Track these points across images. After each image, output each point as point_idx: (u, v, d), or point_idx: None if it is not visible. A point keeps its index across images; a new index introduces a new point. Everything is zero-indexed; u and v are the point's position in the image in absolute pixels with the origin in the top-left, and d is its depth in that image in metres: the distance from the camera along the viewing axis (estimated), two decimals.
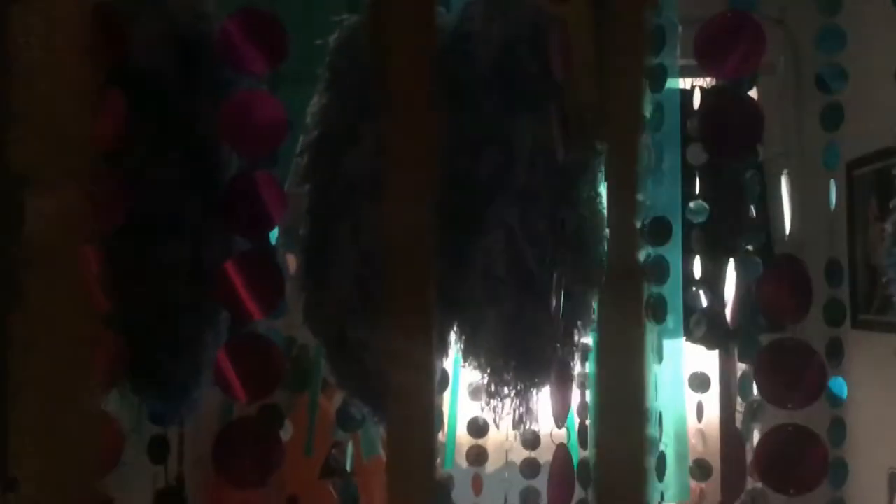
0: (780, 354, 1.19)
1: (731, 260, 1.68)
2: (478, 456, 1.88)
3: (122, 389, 1.44)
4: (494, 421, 1.48)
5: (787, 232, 1.49)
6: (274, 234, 1.52)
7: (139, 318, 1.40)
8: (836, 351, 1.57)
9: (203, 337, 1.47)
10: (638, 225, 1.74)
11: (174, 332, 1.44)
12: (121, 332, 1.34)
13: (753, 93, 1.62)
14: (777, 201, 1.58)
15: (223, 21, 1.33)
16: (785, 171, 1.57)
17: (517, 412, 1.45)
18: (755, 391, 1.75)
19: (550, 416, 1.58)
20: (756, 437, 1.75)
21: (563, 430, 1.57)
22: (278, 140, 1.33)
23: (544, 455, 1.78)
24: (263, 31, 1.32)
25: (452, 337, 1.49)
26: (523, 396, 1.44)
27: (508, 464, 1.97)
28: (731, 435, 1.44)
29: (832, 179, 1.65)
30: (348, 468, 1.74)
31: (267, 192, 1.32)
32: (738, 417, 2.39)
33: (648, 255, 1.67)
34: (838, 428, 1.54)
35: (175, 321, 1.44)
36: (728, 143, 1.17)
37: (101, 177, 1.21)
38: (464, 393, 1.85)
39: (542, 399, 1.53)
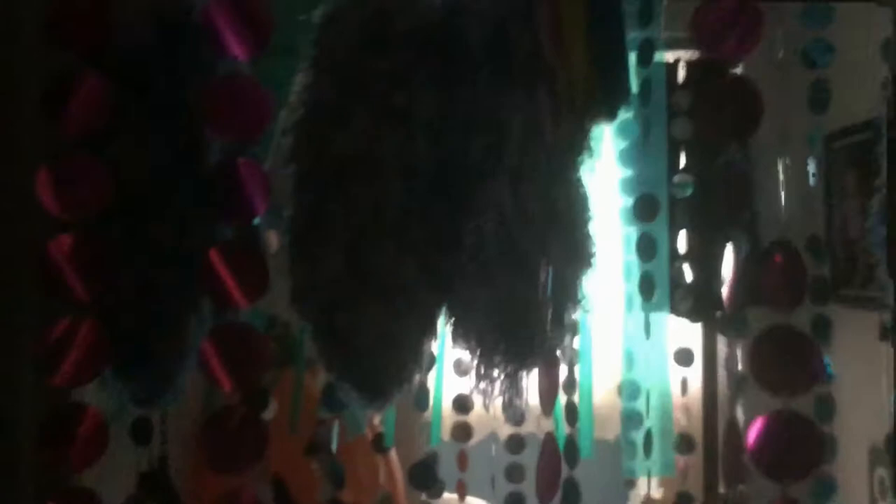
0: (776, 343, 1.19)
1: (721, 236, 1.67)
2: (463, 432, 1.88)
3: (103, 375, 1.41)
4: (484, 403, 1.47)
5: (783, 212, 1.49)
6: None
7: (123, 304, 1.37)
8: (822, 328, 1.57)
9: (187, 322, 1.44)
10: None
11: (158, 316, 1.41)
12: (103, 320, 1.31)
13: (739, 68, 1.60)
14: (771, 179, 1.57)
15: (207, 2, 1.29)
16: (781, 158, 1.57)
17: (506, 394, 1.44)
18: (740, 366, 1.77)
19: (536, 395, 1.57)
20: (740, 411, 1.76)
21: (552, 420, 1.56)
22: (263, 127, 1.29)
23: (528, 428, 1.79)
24: (247, 15, 1.27)
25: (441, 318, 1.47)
26: (512, 378, 1.42)
27: (493, 436, 1.98)
28: (730, 426, 1.43)
29: (812, 156, 1.65)
30: (333, 446, 1.73)
31: (251, 180, 1.29)
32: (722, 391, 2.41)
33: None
34: (825, 405, 1.55)
35: (159, 306, 1.41)
36: (725, 129, 1.15)
37: (82, 161, 1.19)
38: (448, 369, 1.84)
39: (530, 377, 1.52)
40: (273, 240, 1.58)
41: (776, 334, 1.18)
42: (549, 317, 1.40)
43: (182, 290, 1.42)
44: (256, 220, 1.47)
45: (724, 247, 1.55)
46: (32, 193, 1.27)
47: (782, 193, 1.60)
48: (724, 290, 1.43)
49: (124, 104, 1.32)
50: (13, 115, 1.35)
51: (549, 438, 1.53)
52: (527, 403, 1.49)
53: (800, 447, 1.19)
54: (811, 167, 1.68)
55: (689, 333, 2.12)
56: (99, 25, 1.26)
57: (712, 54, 1.12)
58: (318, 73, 1.42)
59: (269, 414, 1.57)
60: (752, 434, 1.21)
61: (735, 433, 1.43)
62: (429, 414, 1.85)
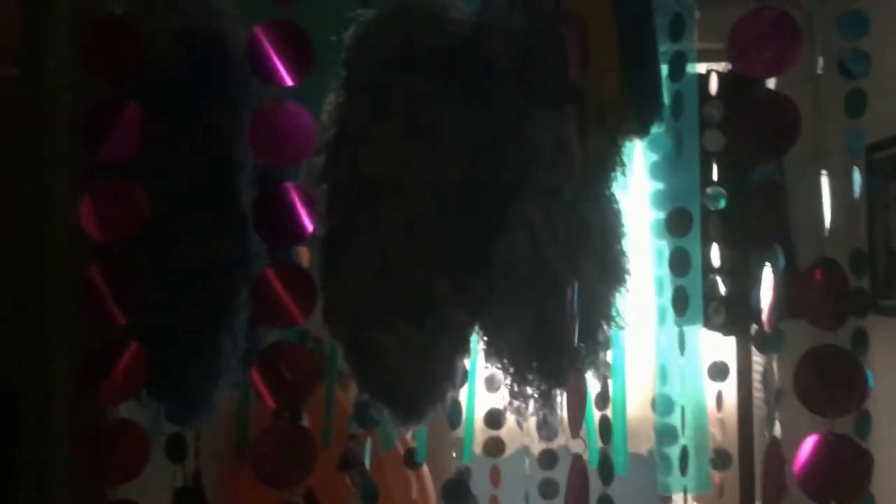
0: (822, 363, 1.16)
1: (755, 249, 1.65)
2: (495, 447, 1.87)
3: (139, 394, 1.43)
4: (518, 422, 1.46)
5: (824, 225, 1.47)
6: None
7: (156, 325, 1.38)
8: (861, 341, 1.55)
9: (219, 341, 1.45)
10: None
11: (192, 336, 1.42)
12: (138, 339, 1.32)
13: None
14: (810, 192, 1.56)
15: (251, 31, 1.29)
16: (824, 172, 1.55)
17: (540, 412, 1.43)
18: (777, 380, 1.74)
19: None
20: (778, 427, 1.74)
21: (580, 441, 1.55)
22: (307, 152, 1.30)
23: (561, 443, 1.77)
24: (291, 44, 1.28)
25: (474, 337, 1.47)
26: (546, 396, 1.41)
27: (525, 450, 1.96)
28: (770, 442, 1.41)
29: (855, 167, 1.63)
30: (366, 461, 1.73)
31: (299, 203, 1.29)
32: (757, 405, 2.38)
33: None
34: (864, 419, 1.52)
35: (191, 326, 1.42)
36: (761, 146, 1.14)
37: (121, 185, 1.20)
38: (480, 384, 1.84)
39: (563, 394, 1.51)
40: (304, 257, 1.59)
41: (821, 354, 1.16)
42: (582, 334, 1.39)
43: (215, 310, 1.43)
44: None
45: (758, 260, 1.53)
46: (70, 216, 1.29)
47: (822, 206, 1.58)
48: (761, 306, 1.41)
49: (155, 127, 1.32)
50: (50, 140, 1.36)
51: (577, 459, 1.52)
52: (560, 419, 1.48)
53: (849, 472, 1.17)
54: (856, 178, 1.66)
55: (723, 347, 2.10)
56: (132, 52, 1.27)
57: (749, 71, 1.10)
58: (348, 93, 1.43)
59: None
60: (800, 458, 1.18)
61: (775, 449, 1.41)
62: (461, 429, 1.84)
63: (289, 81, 1.26)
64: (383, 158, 1.36)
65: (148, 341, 1.34)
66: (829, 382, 1.14)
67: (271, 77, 1.26)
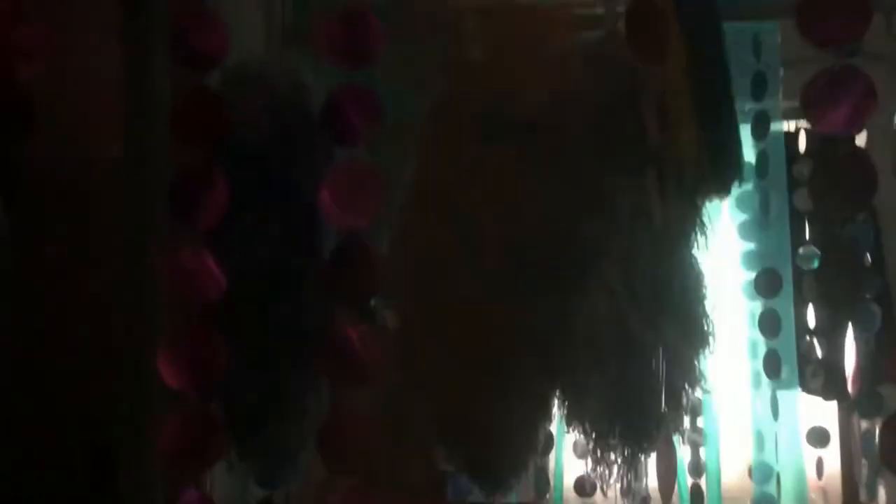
0: None
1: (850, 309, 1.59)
2: None
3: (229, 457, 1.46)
4: (601, 488, 1.43)
5: None
6: None
7: (245, 386, 1.42)
8: None
9: (307, 402, 1.47)
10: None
11: (279, 398, 1.45)
12: (225, 402, 1.36)
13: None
14: None
15: (327, 94, 1.34)
16: None
17: (625, 479, 1.40)
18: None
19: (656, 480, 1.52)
20: (882, 493, 1.66)
21: None
22: (374, 213, 1.33)
23: None
24: (364, 106, 1.32)
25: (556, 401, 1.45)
26: (630, 462, 1.39)
27: None
28: None
29: None
30: None
31: (364, 263, 1.32)
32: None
33: None
34: None
35: (280, 387, 1.45)
36: (842, 201, 1.11)
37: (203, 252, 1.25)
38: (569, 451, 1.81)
39: (649, 460, 1.47)
40: (391, 321, 1.61)
41: None
42: (666, 398, 1.36)
43: (302, 371, 1.46)
44: (372, 302, 1.51)
45: (855, 320, 1.48)
46: (153, 282, 1.34)
47: None
48: (851, 368, 1.36)
49: (242, 193, 1.38)
50: (148, 213, 1.42)
51: None
52: (647, 487, 1.44)
53: None
54: None
55: (824, 412, 2.02)
56: (219, 121, 1.32)
57: (826, 129, 1.09)
58: (428, 159, 1.46)
59: None
60: None
61: None
62: (550, 496, 1.81)
63: (361, 142, 1.30)
64: (462, 224, 1.38)
65: (235, 405, 1.38)
66: None
67: (347, 138, 1.30)
